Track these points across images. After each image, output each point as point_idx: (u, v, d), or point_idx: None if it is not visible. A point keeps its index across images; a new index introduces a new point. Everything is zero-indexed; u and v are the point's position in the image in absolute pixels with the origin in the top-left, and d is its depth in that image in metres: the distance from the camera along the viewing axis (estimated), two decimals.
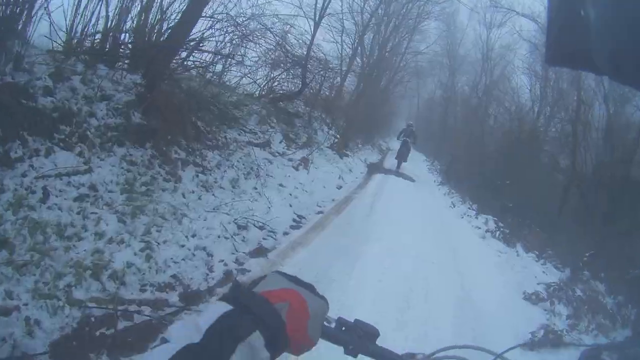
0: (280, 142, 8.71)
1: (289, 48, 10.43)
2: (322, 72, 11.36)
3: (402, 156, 14.00)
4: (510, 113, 15.23)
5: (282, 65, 10.66)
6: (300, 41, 11.28)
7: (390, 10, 18.65)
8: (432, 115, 30.33)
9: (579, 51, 0.54)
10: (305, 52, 11.17)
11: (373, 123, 21.18)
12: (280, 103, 11.35)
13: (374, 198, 8.30)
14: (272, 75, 10.61)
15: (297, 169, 8.03)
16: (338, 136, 13.05)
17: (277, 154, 8.10)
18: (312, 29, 10.83)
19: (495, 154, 14.31)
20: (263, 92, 10.57)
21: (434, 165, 20.73)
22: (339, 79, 15.34)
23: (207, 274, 3.84)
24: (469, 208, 10.26)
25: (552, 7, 0.58)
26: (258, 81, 10.62)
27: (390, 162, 15.70)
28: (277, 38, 10.31)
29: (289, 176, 7.52)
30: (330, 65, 11.59)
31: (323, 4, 10.68)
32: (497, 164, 13.54)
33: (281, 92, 11.00)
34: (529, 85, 15.49)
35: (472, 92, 21.84)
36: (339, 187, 8.71)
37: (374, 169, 13.08)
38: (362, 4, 16.53)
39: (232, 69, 9.91)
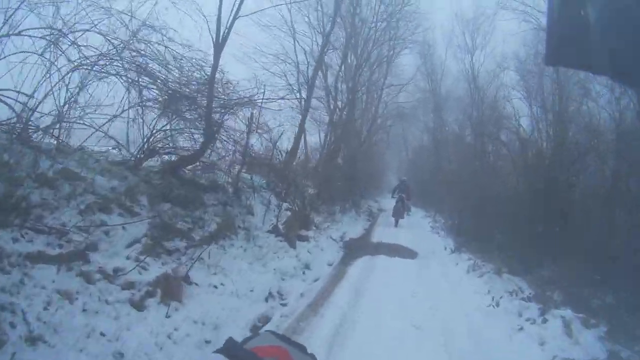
0: (133, 245, 4.31)
1: (175, 78, 6.45)
2: (235, 107, 7.07)
3: (398, 213, 13.37)
4: (519, 138, 11.17)
5: (172, 109, 6.57)
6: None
7: (359, 42, 15.44)
8: (424, 163, 26.44)
9: (579, 51, 0.57)
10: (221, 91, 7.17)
11: (356, 183, 17.14)
12: (186, 170, 7.17)
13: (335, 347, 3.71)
14: (151, 126, 6.44)
15: (141, 306, 3.55)
16: (296, 209, 8.72)
17: (102, 276, 3.65)
18: (214, 49, 6.87)
19: (517, 193, 10.00)
20: (141, 155, 6.37)
21: (437, 220, 16.17)
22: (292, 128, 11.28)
23: None
24: (522, 299, 5.64)
25: (552, 7, 0.61)
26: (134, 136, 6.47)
27: (383, 225, 13.32)
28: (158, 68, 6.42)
29: (103, 335, 3.04)
30: (249, 96, 7.24)
31: (218, 24, 6.78)
32: (522, 205, 9.16)
33: (169, 150, 6.79)
34: (527, 104, 12.00)
35: (464, 129, 18.48)
36: (257, 325, 4.11)
37: (355, 248, 8.58)
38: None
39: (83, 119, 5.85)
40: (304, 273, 5.99)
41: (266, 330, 0.77)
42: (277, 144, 9.05)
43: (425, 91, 21.44)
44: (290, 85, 12.88)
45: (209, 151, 7.11)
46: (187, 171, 7.33)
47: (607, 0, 0.51)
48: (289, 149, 10.44)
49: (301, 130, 11.06)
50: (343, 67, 15.42)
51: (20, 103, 5.04)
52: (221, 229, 6.08)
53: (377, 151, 23.54)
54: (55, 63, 5.48)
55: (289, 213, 8.49)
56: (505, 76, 14.02)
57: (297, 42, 13.33)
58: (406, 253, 8.68)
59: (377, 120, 20.55)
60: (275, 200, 8.61)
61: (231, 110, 6.92)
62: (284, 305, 4.72)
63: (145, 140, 6.37)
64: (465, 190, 13.09)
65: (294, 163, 10.96)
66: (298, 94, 12.15)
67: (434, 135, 22.47)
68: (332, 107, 15.19)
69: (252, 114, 7.47)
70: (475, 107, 16.76)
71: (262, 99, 7.30)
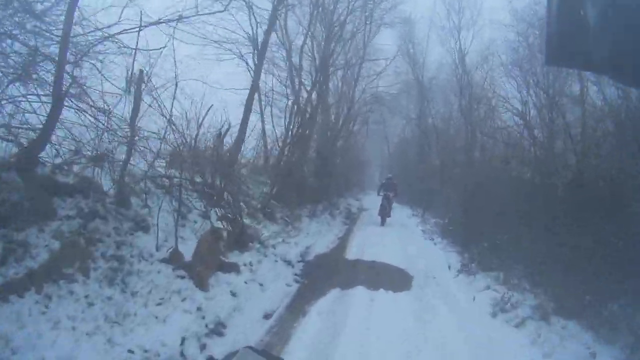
0: None
1: None
2: (91, 51, 4.13)
3: (384, 211, 12.84)
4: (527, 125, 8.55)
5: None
6: None
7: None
8: (407, 156, 23.92)
9: (579, 51, 0.57)
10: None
11: (333, 179, 14.46)
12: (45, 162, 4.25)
13: None
14: None
15: None
16: (226, 219, 5.82)
17: None
18: None
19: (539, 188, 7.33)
20: None
21: (426, 220, 13.52)
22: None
23: None
24: None
25: (552, 7, 0.60)
26: None
27: (364, 229, 11.56)
28: None
29: None
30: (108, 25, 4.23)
31: None
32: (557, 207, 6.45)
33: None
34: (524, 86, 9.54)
35: (451, 114, 16.14)
36: None
37: (319, 275, 5.79)
38: None
39: None
40: (203, 348, 3.13)
41: (245, 347, 0.74)
42: (204, 122, 6.12)
43: (407, 74, 19.01)
44: (248, 66, 10.00)
45: (64, 129, 4.19)
46: (47, 164, 4.44)
47: (607, 0, 0.50)
48: (225, 133, 7.45)
49: (249, 104, 8.10)
50: (309, 39, 12.58)
51: None
52: (58, 263, 3.23)
53: (355, 142, 20.81)
54: None
55: (222, 225, 5.64)
56: (496, 58, 11.71)
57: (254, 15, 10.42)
58: (395, 278, 5.96)
59: (355, 107, 17.79)
60: (202, 205, 5.76)
61: (87, 57, 4.00)
62: None
63: None
64: (462, 184, 10.50)
65: (241, 152, 8.05)
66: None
67: (418, 124, 20.01)
68: (297, 87, 12.35)
69: (141, 71, 4.56)
70: (464, 92, 14.43)
71: (139, 27, 4.35)
